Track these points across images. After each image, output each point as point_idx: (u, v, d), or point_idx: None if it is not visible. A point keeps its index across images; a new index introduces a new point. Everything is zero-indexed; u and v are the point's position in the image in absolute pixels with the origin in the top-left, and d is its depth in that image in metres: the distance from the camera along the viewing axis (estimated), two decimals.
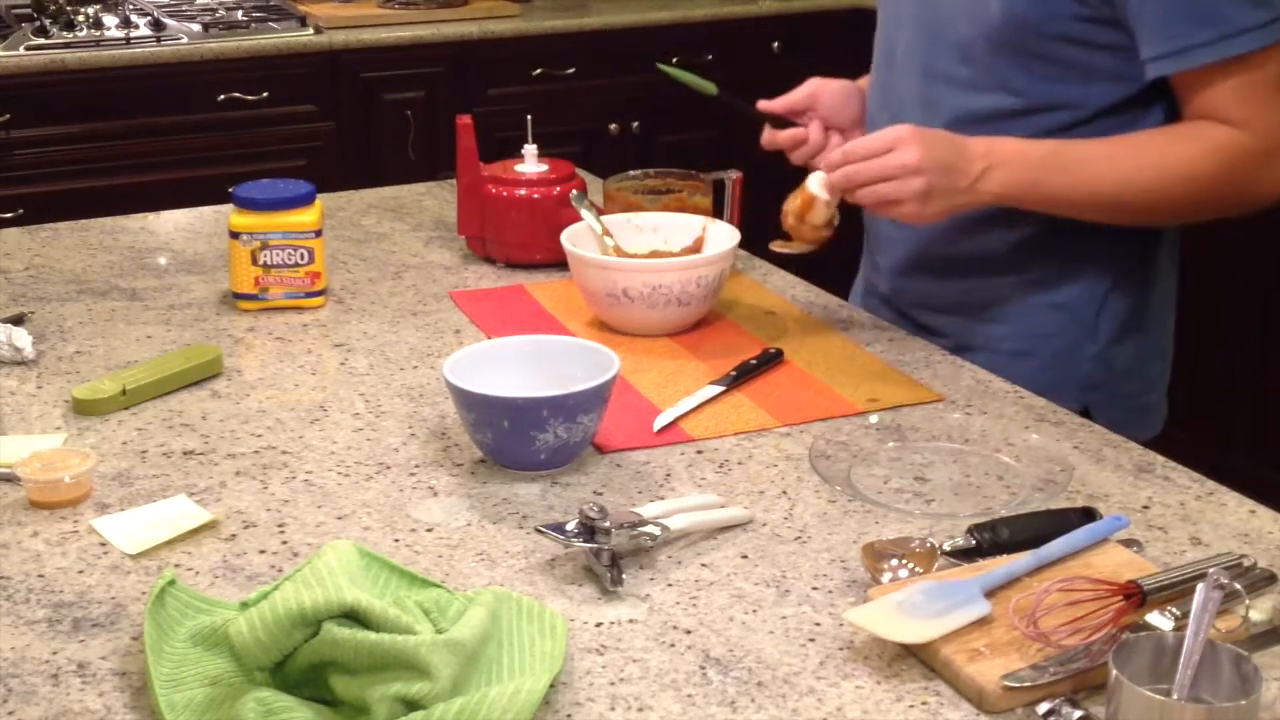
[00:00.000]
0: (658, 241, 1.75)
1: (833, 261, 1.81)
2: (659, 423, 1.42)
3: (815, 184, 1.57)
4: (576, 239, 1.69)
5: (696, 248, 1.73)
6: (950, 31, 1.60)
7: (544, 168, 1.90)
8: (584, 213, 1.76)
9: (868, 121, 1.74)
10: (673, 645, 1.07)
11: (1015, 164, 1.51)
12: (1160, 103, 1.55)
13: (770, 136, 1.73)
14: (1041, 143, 1.53)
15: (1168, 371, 1.73)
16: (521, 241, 1.87)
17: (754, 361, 1.55)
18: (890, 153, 1.49)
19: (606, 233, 1.74)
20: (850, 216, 1.71)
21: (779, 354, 1.58)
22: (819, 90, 1.73)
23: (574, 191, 1.82)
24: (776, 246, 1.64)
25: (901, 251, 1.73)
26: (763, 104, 1.72)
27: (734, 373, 1.53)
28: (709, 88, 1.74)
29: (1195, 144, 1.49)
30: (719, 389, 1.50)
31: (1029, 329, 1.65)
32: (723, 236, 1.72)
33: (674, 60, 3.87)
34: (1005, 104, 1.57)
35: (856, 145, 1.52)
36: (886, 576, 1.14)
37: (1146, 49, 1.49)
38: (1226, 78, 1.46)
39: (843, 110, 1.73)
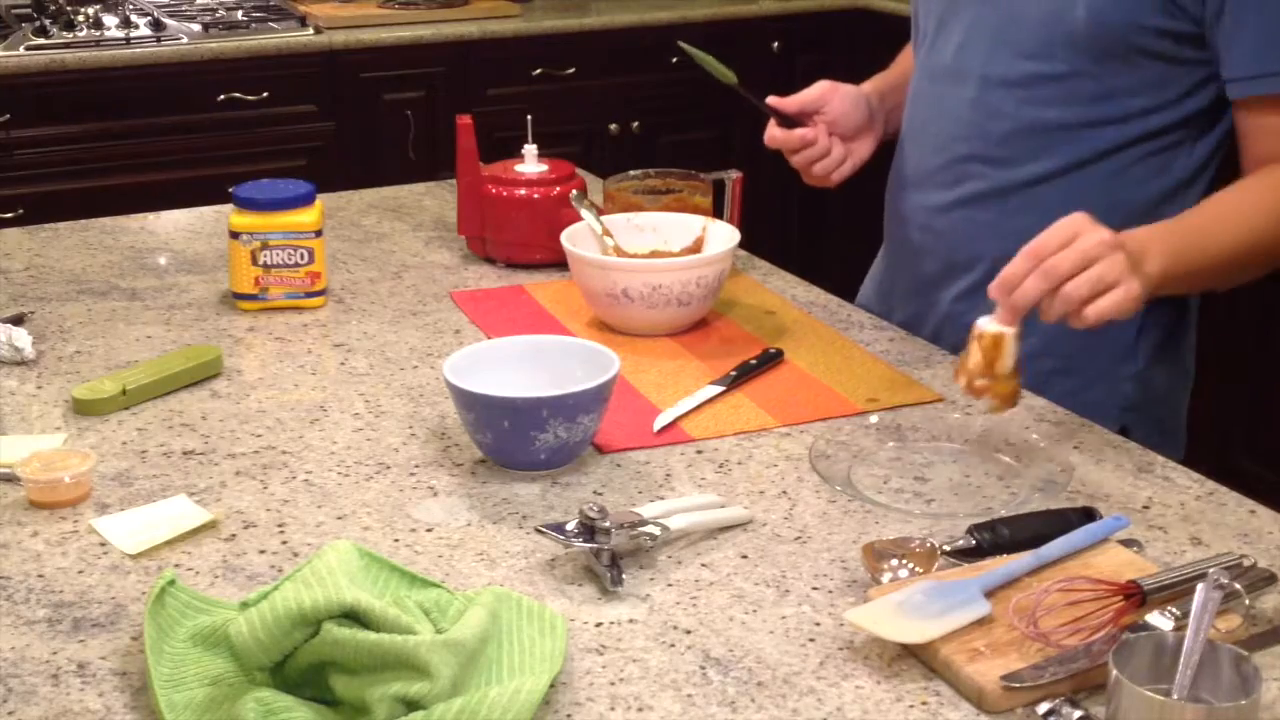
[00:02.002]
0: (658, 241, 1.75)
1: (833, 261, 1.81)
2: (659, 423, 1.42)
3: (990, 324, 1.31)
4: (576, 239, 1.69)
5: (696, 248, 1.73)
6: (1021, 36, 1.55)
7: (544, 168, 1.90)
8: (584, 213, 1.76)
9: (907, 135, 1.72)
10: (673, 645, 1.07)
11: (1163, 242, 1.39)
12: (1210, 132, 1.54)
13: (776, 134, 1.70)
14: (1168, 226, 1.43)
15: (1189, 396, 1.71)
16: (521, 241, 1.87)
17: (754, 361, 1.55)
18: (1078, 238, 1.31)
19: (606, 233, 1.74)
20: (853, 215, 1.72)
21: (779, 354, 1.58)
22: (830, 94, 1.71)
23: (574, 191, 1.82)
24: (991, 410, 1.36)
25: (936, 266, 1.70)
26: (773, 100, 1.70)
27: (734, 373, 1.53)
28: (729, 75, 1.73)
29: None
30: (719, 389, 1.50)
31: (1068, 348, 1.58)
32: (723, 236, 1.72)
33: (675, 60, 3.89)
34: (1079, 115, 1.54)
35: (1038, 245, 1.31)
36: (886, 576, 1.14)
37: (1234, 68, 1.45)
38: None
39: (851, 115, 1.71)
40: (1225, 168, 1.57)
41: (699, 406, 1.46)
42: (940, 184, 1.67)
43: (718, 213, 1.82)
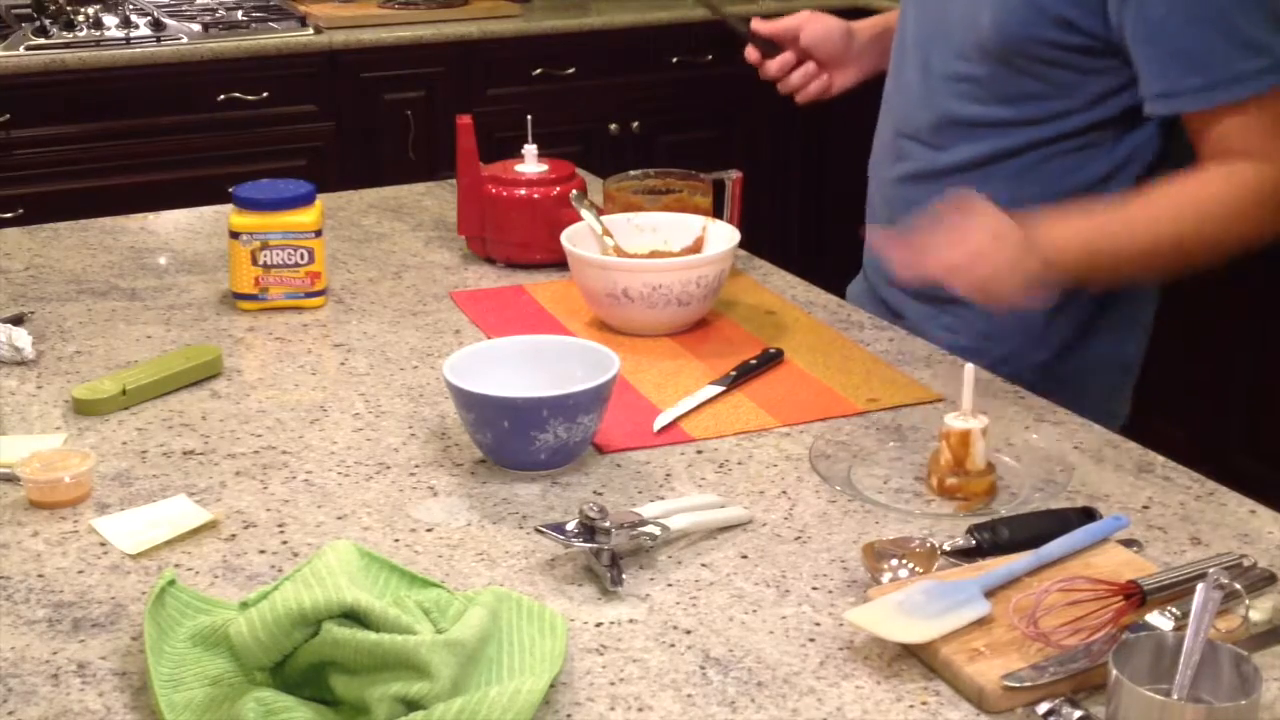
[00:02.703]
0: (657, 241, 1.75)
1: (833, 261, 1.81)
2: (659, 423, 1.42)
3: (956, 420, 1.29)
4: (576, 239, 1.69)
5: (696, 248, 1.73)
6: (950, 34, 1.61)
7: (544, 168, 1.90)
8: (584, 213, 1.76)
9: (883, 101, 1.77)
10: (673, 645, 1.07)
11: (1072, 261, 1.48)
12: (1133, 130, 1.56)
13: (759, 62, 1.81)
14: (1088, 216, 1.50)
15: (1131, 381, 1.73)
16: (521, 241, 1.87)
17: (754, 361, 1.55)
18: (961, 236, 1.45)
19: (606, 233, 1.74)
20: (853, 215, 1.71)
21: (779, 354, 1.58)
22: (807, 21, 1.80)
23: (574, 191, 1.82)
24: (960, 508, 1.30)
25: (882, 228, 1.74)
26: (755, 24, 1.80)
27: (734, 373, 1.53)
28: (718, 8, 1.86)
29: (1225, 185, 1.47)
30: (719, 389, 1.50)
31: (983, 329, 1.65)
32: (723, 236, 1.72)
33: (674, 60, 3.89)
34: (997, 114, 1.59)
35: (935, 240, 1.47)
36: (886, 576, 1.14)
37: (1143, 87, 1.49)
38: (1231, 116, 1.46)
39: (826, 43, 1.81)
40: (1165, 157, 1.58)
41: (699, 406, 1.46)
42: (891, 156, 1.75)
43: (717, 212, 1.82)
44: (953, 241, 1.45)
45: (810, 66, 1.81)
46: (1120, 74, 1.52)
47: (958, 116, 1.62)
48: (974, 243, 1.45)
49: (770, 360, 1.56)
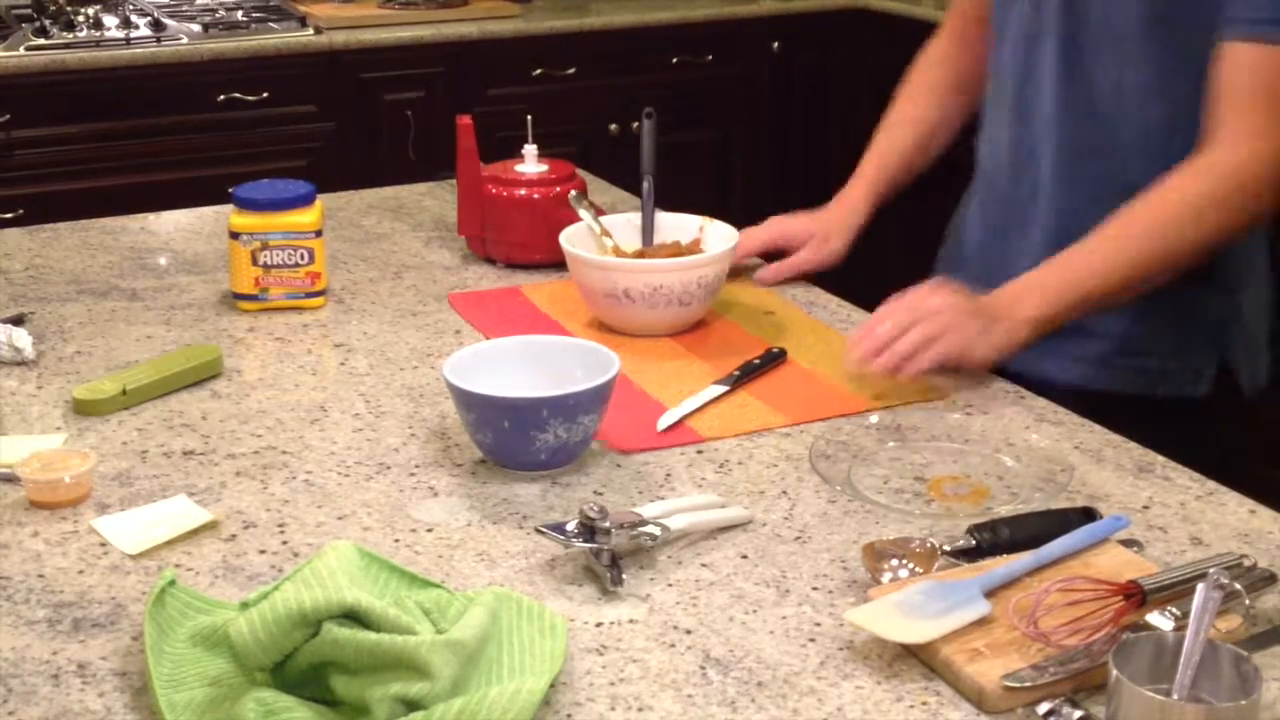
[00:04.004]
0: (656, 240, 1.75)
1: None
2: (664, 422, 1.42)
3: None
4: (575, 240, 1.68)
5: (694, 248, 1.73)
6: (1097, 21, 1.57)
7: (544, 168, 1.90)
8: (582, 213, 1.76)
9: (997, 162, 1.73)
10: (673, 645, 1.07)
11: (1038, 290, 1.50)
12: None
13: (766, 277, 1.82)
14: (1048, 270, 1.52)
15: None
16: (521, 241, 1.87)
17: (757, 361, 1.55)
18: (910, 308, 1.49)
19: (605, 233, 1.74)
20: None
21: (782, 353, 1.58)
22: (777, 227, 1.83)
23: (572, 192, 1.82)
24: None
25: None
26: (740, 254, 1.77)
27: (737, 372, 1.53)
28: None
29: (1191, 182, 1.47)
30: (723, 388, 1.49)
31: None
32: (721, 236, 1.72)
33: (674, 61, 3.89)
34: (1159, 81, 1.55)
35: (879, 312, 1.51)
36: (886, 576, 1.14)
37: (1232, 10, 1.46)
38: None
39: (801, 235, 1.81)
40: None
41: (705, 405, 1.46)
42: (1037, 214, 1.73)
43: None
44: (905, 317, 1.47)
45: (800, 257, 1.80)
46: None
47: (1130, 87, 1.56)
48: (926, 309, 1.47)
49: (774, 359, 1.56)
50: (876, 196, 1.82)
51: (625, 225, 1.76)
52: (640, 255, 1.73)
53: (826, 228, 1.81)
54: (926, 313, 1.47)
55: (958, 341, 1.46)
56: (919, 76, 1.88)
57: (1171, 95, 1.53)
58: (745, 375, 1.53)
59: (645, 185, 1.79)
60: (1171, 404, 1.59)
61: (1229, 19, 1.46)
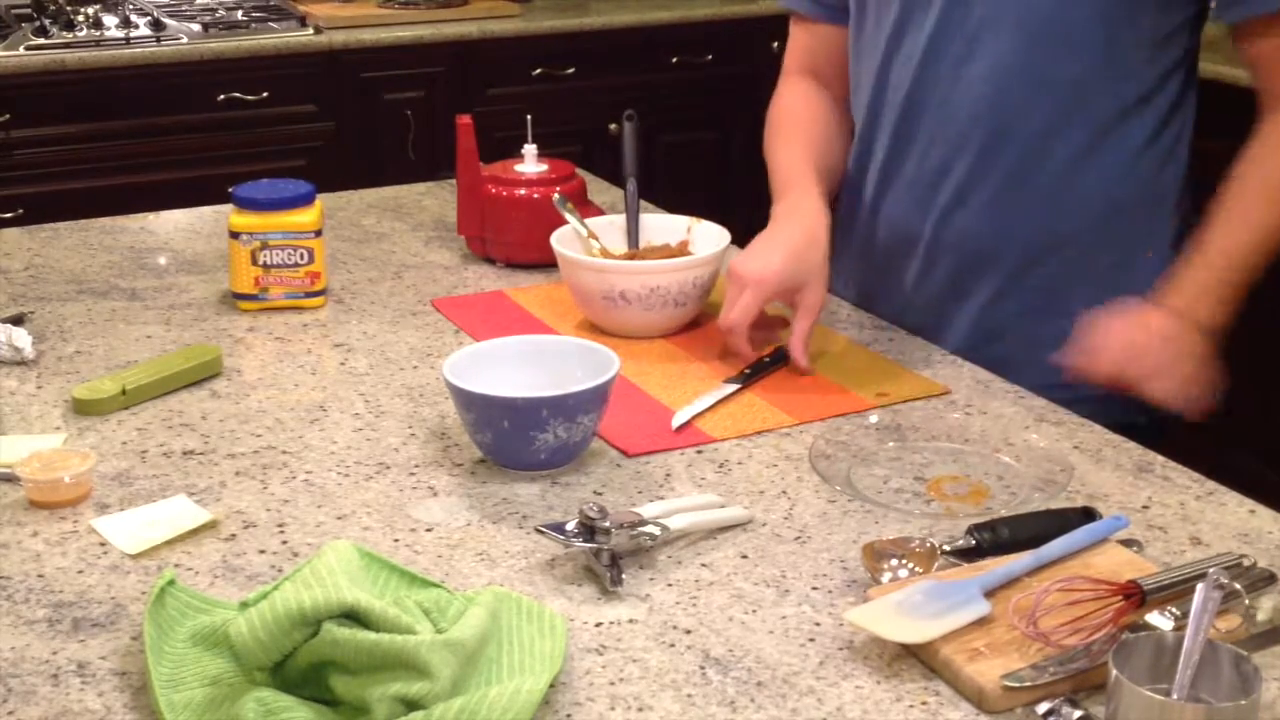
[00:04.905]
0: (641, 242, 1.75)
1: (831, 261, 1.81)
2: (677, 420, 1.41)
3: None
4: (563, 243, 1.68)
5: (682, 249, 1.73)
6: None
7: (544, 168, 1.90)
8: (568, 216, 1.76)
9: (899, 122, 1.68)
10: (673, 645, 1.07)
11: (1201, 304, 1.51)
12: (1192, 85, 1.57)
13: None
14: (1191, 271, 1.52)
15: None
16: (521, 241, 1.87)
17: (767, 359, 1.54)
18: (1146, 330, 1.50)
19: (592, 235, 1.74)
20: None
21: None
22: (766, 296, 1.55)
23: (556, 195, 1.81)
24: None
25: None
26: (733, 347, 1.56)
27: (748, 370, 1.52)
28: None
29: None
30: (734, 386, 1.49)
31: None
32: (710, 236, 1.72)
33: (674, 60, 3.89)
34: (1066, 73, 1.55)
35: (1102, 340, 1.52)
36: (886, 576, 1.14)
37: None
38: None
39: (784, 297, 1.57)
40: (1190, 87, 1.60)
41: (714, 405, 1.46)
42: (937, 183, 1.70)
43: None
44: (1115, 342, 1.49)
45: (802, 328, 1.55)
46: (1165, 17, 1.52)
47: (1046, 79, 1.55)
48: (1132, 339, 1.48)
49: (782, 358, 1.56)
50: (825, 201, 1.64)
51: (610, 228, 1.76)
52: (631, 257, 1.73)
53: (800, 275, 1.54)
54: (1142, 359, 1.49)
55: (1173, 384, 1.50)
56: (793, 115, 1.79)
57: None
58: (756, 373, 1.52)
59: (629, 187, 1.79)
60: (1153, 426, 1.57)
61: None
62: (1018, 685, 0.99)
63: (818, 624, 1.10)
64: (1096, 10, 1.52)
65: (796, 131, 1.75)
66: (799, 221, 1.58)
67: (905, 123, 1.67)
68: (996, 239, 1.63)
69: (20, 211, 3.25)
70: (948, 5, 1.58)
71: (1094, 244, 1.61)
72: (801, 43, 1.83)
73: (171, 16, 3.62)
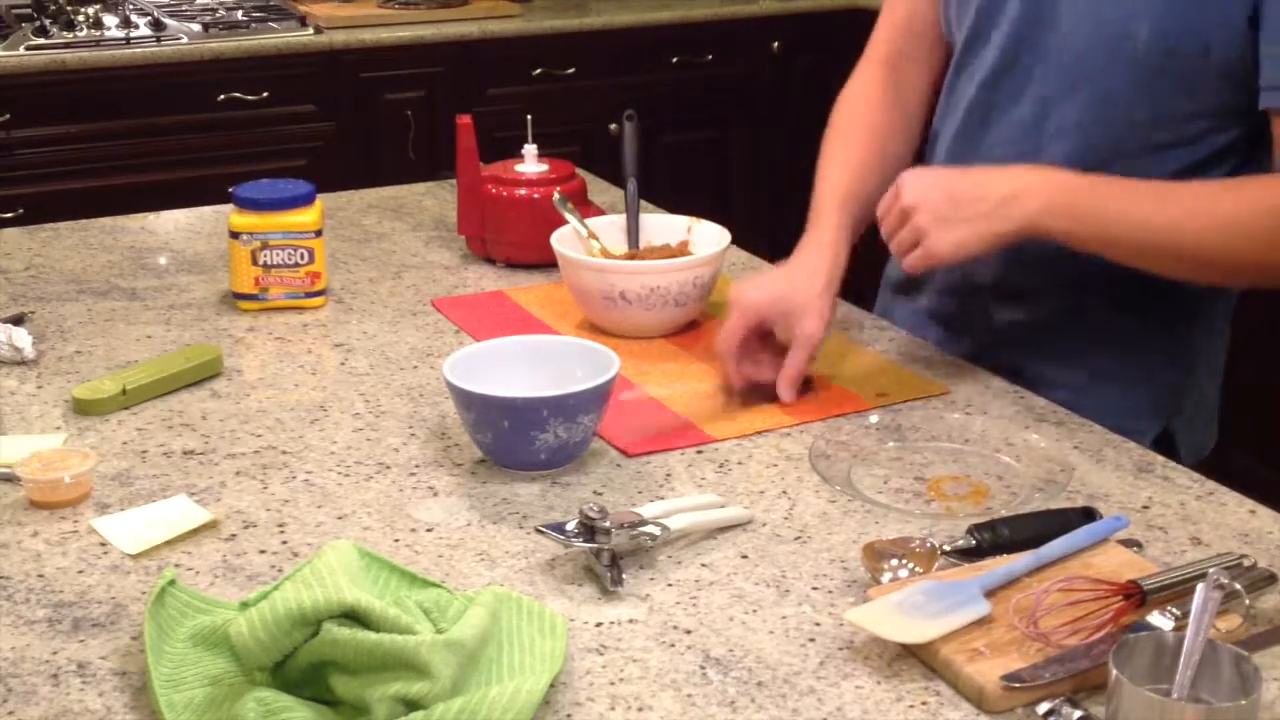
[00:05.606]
0: (641, 242, 1.75)
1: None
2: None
3: None
4: (563, 243, 1.68)
5: (682, 249, 1.73)
6: (1075, 57, 1.48)
7: (544, 168, 1.90)
8: (568, 216, 1.76)
9: (952, 152, 1.64)
10: (673, 645, 1.07)
11: (1052, 191, 1.39)
12: (1266, 149, 1.44)
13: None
14: (1090, 177, 1.41)
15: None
16: (521, 241, 1.87)
17: None
18: (896, 198, 1.44)
19: (592, 235, 1.74)
20: None
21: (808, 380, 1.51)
22: (757, 318, 1.51)
23: (556, 195, 1.81)
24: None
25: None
26: (720, 370, 1.53)
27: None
28: None
29: (1252, 194, 1.38)
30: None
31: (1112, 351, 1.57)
32: (710, 237, 1.72)
33: (674, 60, 3.89)
34: (1128, 141, 1.47)
35: (880, 202, 1.47)
36: (886, 576, 1.14)
37: (1262, 78, 1.37)
38: None
39: (773, 324, 1.52)
40: None
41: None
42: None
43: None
44: (892, 218, 1.43)
45: (796, 360, 1.48)
46: (1233, 94, 1.42)
47: (1086, 146, 1.48)
48: (905, 202, 1.42)
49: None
50: (848, 235, 1.57)
51: (610, 227, 1.76)
52: (631, 257, 1.73)
53: (794, 306, 1.49)
54: (906, 209, 1.42)
55: (924, 251, 1.41)
56: (853, 121, 1.69)
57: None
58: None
59: (629, 187, 1.79)
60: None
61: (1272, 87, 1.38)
62: (1018, 685, 0.99)
63: (818, 624, 1.10)
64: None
65: (850, 144, 1.65)
66: (809, 255, 1.54)
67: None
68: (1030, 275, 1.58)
69: (20, 211, 3.25)
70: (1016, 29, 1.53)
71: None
72: (894, 16, 1.72)
73: (171, 16, 3.62)
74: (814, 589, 1.14)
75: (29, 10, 3.57)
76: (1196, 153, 1.47)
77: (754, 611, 1.11)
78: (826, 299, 1.49)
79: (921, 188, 1.42)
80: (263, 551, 1.21)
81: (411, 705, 0.95)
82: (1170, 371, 1.58)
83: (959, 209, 1.40)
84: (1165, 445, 1.52)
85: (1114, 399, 1.54)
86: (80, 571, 1.18)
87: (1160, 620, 1.03)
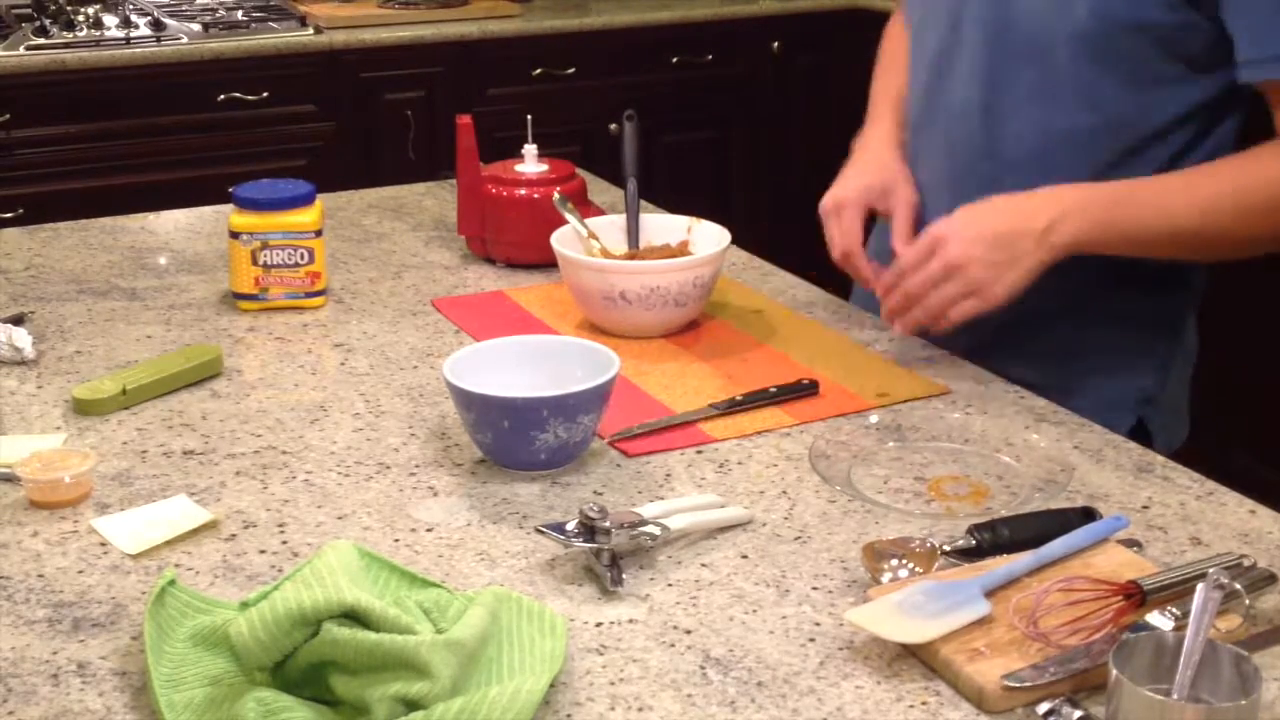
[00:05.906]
0: (641, 242, 1.75)
1: (828, 260, 1.81)
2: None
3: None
4: (563, 243, 1.68)
5: (682, 249, 1.73)
6: (1023, 35, 1.51)
7: (544, 168, 1.90)
8: (568, 216, 1.76)
9: (911, 130, 1.69)
10: (673, 645, 1.07)
11: (1086, 209, 1.43)
12: (1234, 114, 1.49)
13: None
14: (1112, 184, 1.45)
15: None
16: (521, 241, 1.87)
17: (774, 390, 1.48)
18: (933, 257, 1.45)
19: (593, 235, 1.74)
20: None
21: (814, 385, 1.51)
22: (864, 204, 1.63)
23: (556, 195, 1.81)
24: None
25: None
26: (855, 274, 1.63)
27: (739, 398, 1.46)
28: None
29: (1275, 166, 1.42)
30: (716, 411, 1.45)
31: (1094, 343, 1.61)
32: (710, 237, 1.72)
33: (674, 60, 3.89)
34: (1081, 121, 1.50)
35: (901, 262, 1.49)
36: (886, 576, 1.14)
37: (1237, 53, 1.41)
38: None
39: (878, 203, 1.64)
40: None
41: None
42: (953, 195, 1.65)
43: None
44: (930, 278, 1.45)
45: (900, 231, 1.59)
46: (1206, 58, 1.45)
47: (1036, 126, 1.52)
48: (952, 259, 1.44)
49: (805, 391, 1.50)
50: (900, 129, 1.70)
51: (610, 227, 1.76)
52: (631, 257, 1.73)
53: (883, 184, 1.63)
54: (953, 266, 1.43)
55: (977, 304, 1.45)
56: (899, 43, 1.81)
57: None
58: (748, 401, 1.47)
59: (629, 187, 1.79)
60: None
61: (1252, 61, 1.41)
62: (1018, 685, 0.99)
63: (818, 624, 1.10)
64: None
65: (897, 55, 1.79)
66: (876, 147, 1.69)
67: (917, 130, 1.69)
68: None
69: (20, 211, 3.25)
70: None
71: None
72: None
73: (171, 16, 3.62)
74: (814, 589, 1.14)
75: (29, 10, 3.58)
76: (1153, 121, 1.50)
77: (754, 611, 1.11)
78: (905, 170, 1.65)
79: (964, 244, 1.44)
80: (263, 551, 1.21)
81: (411, 705, 0.95)
82: (1145, 363, 1.62)
83: (1008, 250, 1.43)
84: (1140, 437, 1.53)
85: (1089, 394, 1.56)
86: (80, 571, 1.18)
87: (1160, 620, 1.03)
